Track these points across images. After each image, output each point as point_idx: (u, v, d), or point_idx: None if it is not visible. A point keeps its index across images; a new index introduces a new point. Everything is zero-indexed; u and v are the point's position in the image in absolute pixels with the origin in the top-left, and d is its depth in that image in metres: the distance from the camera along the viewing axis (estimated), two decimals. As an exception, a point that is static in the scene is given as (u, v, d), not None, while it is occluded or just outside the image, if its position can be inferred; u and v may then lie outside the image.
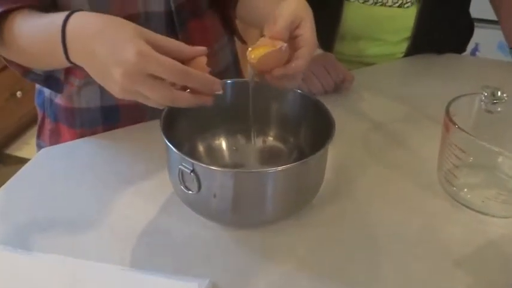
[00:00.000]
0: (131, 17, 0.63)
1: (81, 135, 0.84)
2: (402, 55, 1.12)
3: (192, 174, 0.56)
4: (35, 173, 0.76)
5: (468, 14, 1.17)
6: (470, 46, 1.27)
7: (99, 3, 0.73)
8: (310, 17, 0.65)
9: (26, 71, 0.77)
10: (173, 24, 0.80)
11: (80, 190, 0.72)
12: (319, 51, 1.00)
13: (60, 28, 0.59)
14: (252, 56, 0.60)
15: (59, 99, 0.85)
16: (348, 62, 1.09)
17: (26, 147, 2.38)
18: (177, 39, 0.57)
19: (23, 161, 2.28)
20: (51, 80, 0.82)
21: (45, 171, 0.76)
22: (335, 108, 0.68)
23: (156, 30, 0.56)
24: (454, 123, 0.67)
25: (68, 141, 0.84)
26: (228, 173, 0.58)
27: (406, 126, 0.89)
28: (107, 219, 0.67)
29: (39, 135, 0.93)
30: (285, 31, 0.62)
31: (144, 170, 0.75)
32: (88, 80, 0.81)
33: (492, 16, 1.15)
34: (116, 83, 0.54)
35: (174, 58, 0.54)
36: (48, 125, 0.89)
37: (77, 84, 0.82)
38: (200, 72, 0.55)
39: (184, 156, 0.56)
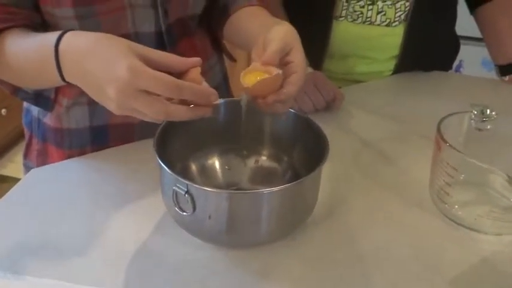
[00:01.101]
0: (122, 37, 0.64)
1: (70, 156, 0.83)
2: (390, 73, 1.14)
3: (186, 195, 0.56)
4: (24, 195, 0.74)
5: (454, 32, 1.20)
6: (454, 63, 1.29)
7: (89, 24, 0.72)
8: (299, 43, 0.66)
9: (16, 90, 0.77)
10: (163, 44, 0.80)
11: (71, 212, 0.70)
12: (309, 69, 1.00)
13: (53, 48, 0.59)
14: (246, 81, 0.60)
15: (48, 119, 0.84)
16: (337, 80, 1.10)
17: (11, 165, 2.35)
18: None
19: (7, 179, 2.24)
20: (41, 98, 0.82)
21: (34, 193, 0.75)
22: (325, 126, 0.68)
23: None
24: (446, 141, 0.68)
25: (55, 161, 0.83)
26: (224, 194, 0.58)
27: (397, 144, 0.89)
28: (98, 242, 0.65)
29: (26, 155, 0.92)
30: (276, 57, 0.62)
31: (136, 190, 0.74)
32: (76, 100, 0.80)
33: (476, 34, 1.17)
34: (112, 100, 0.54)
35: (167, 72, 0.54)
36: (36, 145, 0.88)
37: (65, 105, 0.81)
38: (193, 84, 0.55)
39: (178, 177, 0.56)
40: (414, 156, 0.85)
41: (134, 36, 0.77)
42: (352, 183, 0.78)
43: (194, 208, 0.57)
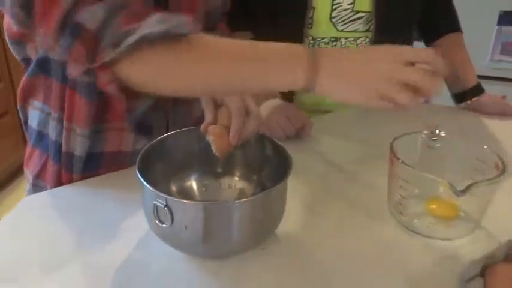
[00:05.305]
0: None
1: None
2: (356, 103, 1.23)
3: (165, 208, 0.62)
4: (15, 225, 0.77)
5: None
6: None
7: None
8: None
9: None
10: None
11: (60, 240, 0.73)
12: (280, 101, 1.09)
13: (305, 50, 0.63)
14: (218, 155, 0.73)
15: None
16: (308, 111, 1.19)
17: (-1, 207, 2.37)
18: None
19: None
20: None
21: (24, 222, 0.78)
22: (296, 152, 0.74)
23: None
24: (398, 158, 0.76)
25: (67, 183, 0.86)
26: (198, 205, 0.64)
27: (360, 165, 0.97)
28: (87, 272, 0.68)
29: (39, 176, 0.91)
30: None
31: (123, 216, 0.78)
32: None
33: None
34: (382, 74, 0.61)
35: None
36: (51, 167, 0.89)
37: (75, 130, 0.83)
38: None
39: (158, 192, 0.62)
40: (376, 176, 0.91)
41: None
42: (319, 200, 0.85)
43: (172, 220, 0.63)
